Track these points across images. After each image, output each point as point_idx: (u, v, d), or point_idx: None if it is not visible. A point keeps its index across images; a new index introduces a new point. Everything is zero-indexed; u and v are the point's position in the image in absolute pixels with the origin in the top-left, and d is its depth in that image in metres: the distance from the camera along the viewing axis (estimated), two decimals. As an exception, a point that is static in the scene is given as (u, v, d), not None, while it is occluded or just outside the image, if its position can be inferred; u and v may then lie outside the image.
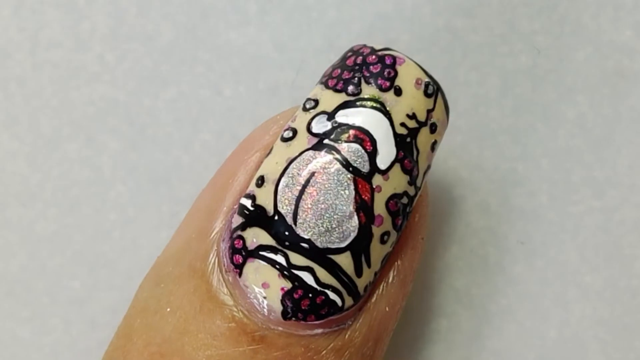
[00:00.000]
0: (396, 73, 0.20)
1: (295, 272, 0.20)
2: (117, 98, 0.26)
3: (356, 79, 0.20)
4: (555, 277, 0.26)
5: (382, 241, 0.20)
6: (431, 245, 0.25)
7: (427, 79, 0.21)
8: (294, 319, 0.20)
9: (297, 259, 0.20)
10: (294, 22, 0.26)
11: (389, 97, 0.20)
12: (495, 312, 0.25)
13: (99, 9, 0.26)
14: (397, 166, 0.20)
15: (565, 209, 0.26)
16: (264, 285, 0.20)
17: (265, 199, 0.20)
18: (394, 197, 0.20)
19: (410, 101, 0.20)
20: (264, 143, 0.21)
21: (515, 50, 0.26)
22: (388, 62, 0.21)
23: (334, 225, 0.20)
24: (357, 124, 0.20)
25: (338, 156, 0.20)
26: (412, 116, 0.20)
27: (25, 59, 0.26)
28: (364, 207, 0.20)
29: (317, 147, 0.20)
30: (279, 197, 0.20)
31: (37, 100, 0.26)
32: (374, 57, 0.21)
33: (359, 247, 0.20)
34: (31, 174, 0.26)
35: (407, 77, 0.20)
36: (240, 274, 0.20)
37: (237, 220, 0.20)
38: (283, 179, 0.20)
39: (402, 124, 0.20)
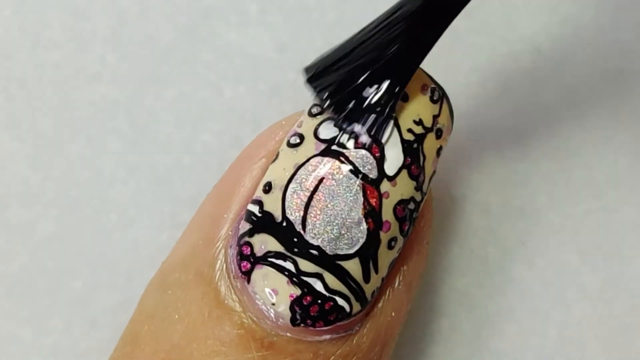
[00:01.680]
0: None
1: (305, 278, 0.20)
2: (118, 98, 0.26)
3: None
4: (555, 277, 0.26)
5: (390, 247, 0.20)
6: (432, 245, 0.25)
7: (432, 85, 0.21)
8: (302, 325, 0.20)
9: (306, 265, 0.20)
10: (294, 23, 0.26)
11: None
12: (495, 312, 0.26)
13: (100, 10, 0.26)
14: (404, 172, 0.20)
15: (565, 209, 0.26)
16: (273, 292, 0.20)
17: (273, 205, 0.20)
18: (401, 202, 0.20)
19: (416, 107, 0.20)
20: (269, 149, 0.21)
21: (516, 51, 0.26)
22: None
23: (342, 232, 0.20)
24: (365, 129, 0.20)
25: (346, 162, 0.20)
26: (419, 122, 0.20)
27: (26, 59, 0.26)
28: (372, 213, 0.20)
29: (325, 153, 0.20)
30: (287, 203, 0.20)
31: (38, 101, 0.26)
32: None
33: (368, 253, 0.20)
34: (32, 174, 0.26)
35: (413, 82, 0.20)
36: (248, 281, 0.20)
37: (245, 226, 0.20)
38: (291, 185, 0.20)
39: (409, 130, 0.20)
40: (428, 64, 0.21)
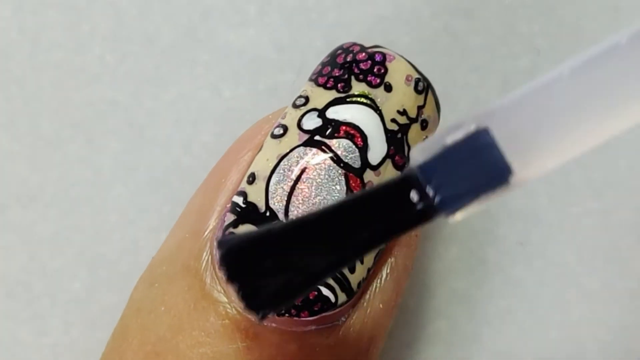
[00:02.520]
0: (386, 70, 0.21)
1: None
2: (117, 99, 0.26)
3: (346, 75, 0.21)
4: (554, 278, 0.26)
5: None
6: (431, 246, 0.25)
7: (417, 76, 0.21)
8: (287, 315, 0.20)
9: None
10: (293, 24, 0.26)
11: (379, 94, 0.20)
12: (494, 313, 0.25)
13: (99, 11, 0.26)
14: (388, 162, 0.20)
15: (564, 210, 0.26)
16: None
17: (256, 195, 0.20)
18: None
19: (400, 97, 0.20)
20: (256, 142, 0.21)
21: (515, 51, 0.26)
22: (378, 59, 0.21)
23: None
24: (348, 120, 0.20)
25: (329, 152, 0.20)
26: (403, 112, 0.20)
27: (25, 60, 0.26)
28: None
29: (308, 143, 0.20)
30: (270, 193, 0.20)
31: (37, 102, 0.26)
32: (363, 54, 0.21)
33: None
34: (31, 175, 0.26)
35: (397, 73, 0.21)
36: None
37: (230, 217, 0.20)
38: (274, 176, 0.20)
39: (393, 120, 0.20)
40: (426, 64, 0.21)
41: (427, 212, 0.15)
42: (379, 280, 0.21)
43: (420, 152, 0.15)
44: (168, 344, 0.20)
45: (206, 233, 0.21)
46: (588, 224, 0.26)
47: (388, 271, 0.21)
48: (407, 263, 0.22)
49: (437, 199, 0.15)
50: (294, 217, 0.19)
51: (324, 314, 0.20)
